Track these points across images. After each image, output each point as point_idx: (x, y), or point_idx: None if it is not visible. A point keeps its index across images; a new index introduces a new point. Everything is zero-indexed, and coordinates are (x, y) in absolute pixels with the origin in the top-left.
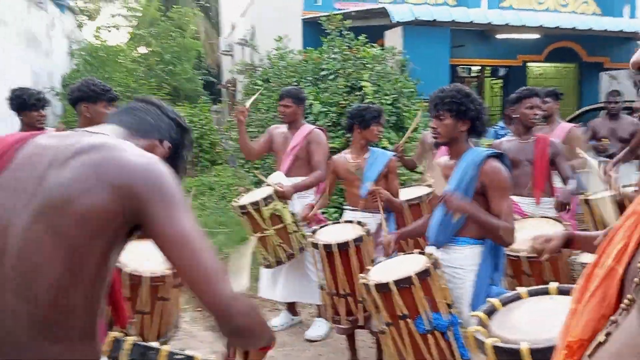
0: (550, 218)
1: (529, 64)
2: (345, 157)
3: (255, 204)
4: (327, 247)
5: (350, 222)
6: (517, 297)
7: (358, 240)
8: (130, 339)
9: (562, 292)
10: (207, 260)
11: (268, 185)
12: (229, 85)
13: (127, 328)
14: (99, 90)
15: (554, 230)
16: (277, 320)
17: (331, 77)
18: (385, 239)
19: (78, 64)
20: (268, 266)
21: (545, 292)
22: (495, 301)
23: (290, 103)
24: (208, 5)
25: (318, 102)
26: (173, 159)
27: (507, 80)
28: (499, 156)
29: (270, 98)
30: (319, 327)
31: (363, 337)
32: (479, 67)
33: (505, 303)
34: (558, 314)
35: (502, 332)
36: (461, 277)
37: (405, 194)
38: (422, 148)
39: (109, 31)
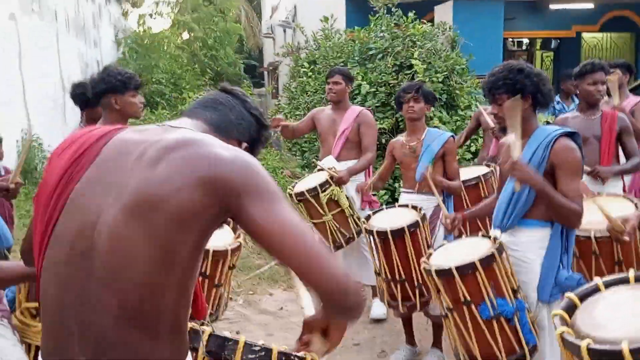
0: (619, 196)
1: (583, 35)
2: (401, 139)
3: (313, 191)
4: (382, 234)
5: (406, 206)
6: (595, 289)
7: (413, 225)
8: (208, 330)
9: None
10: (313, 244)
11: (321, 170)
12: (271, 68)
13: (204, 319)
14: (125, 78)
15: (623, 208)
16: None
17: (379, 56)
18: (449, 216)
19: (124, 52)
20: None
21: (624, 281)
22: (573, 296)
23: (340, 80)
24: None
25: (366, 82)
26: None
27: (558, 53)
28: (571, 135)
29: (317, 80)
30: (380, 306)
31: (420, 320)
32: (528, 40)
33: (582, 297)
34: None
35: (591, 331)
36: (529, 261)
37: (462, 174)
38: (474, 125)
39: (153, 18)
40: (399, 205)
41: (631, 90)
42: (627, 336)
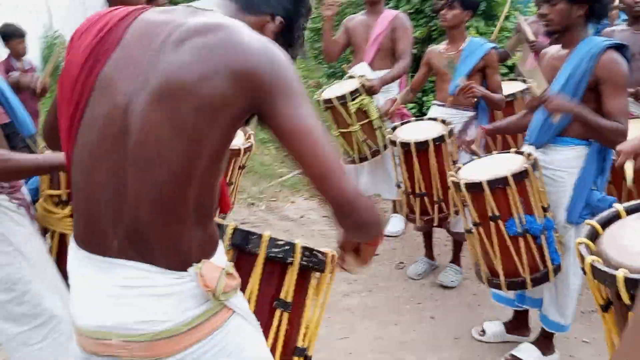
0: None
1: None
2: (440, 48)
3: (342, 98)
4: (405, 145)
5: (434, 119)
6: (616, 216)
7: (439, 139)
8: (232, 224)
9: None
10: (330, 155)
11: (352, 77)
12: None
13: (228, 213)
14: None
15: None
16: None
17: None
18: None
19: None
20: (352, 162)
21: None
22: (594, 223)
23: None
24: None
25: None
26: (286, 36)
27: None
28: (620, 48)
29: None
30: (396, 223)
31: (440, 235)
32: None
33: (604, 224)
34: None
35: (624, 260)
36: (561, 180)
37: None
38: (518, 38)
39: None
40: (429, 118)
41: None
42: (635, 265)
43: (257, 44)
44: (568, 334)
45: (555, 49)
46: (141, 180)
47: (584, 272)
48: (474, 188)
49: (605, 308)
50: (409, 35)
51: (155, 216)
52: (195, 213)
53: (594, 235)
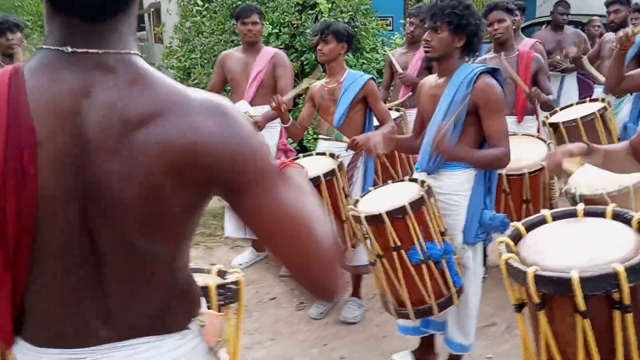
0: (533, 136)
1: None
2: (321, 83)
3: None
4: None
5: (323, 154)
6: (542, 220)
7: (329, 174)
8: None
9: (589, 213)
10: (309, 248)
11: None
12: (152, 9)
13: None
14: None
15: (536, 149)
16: (242, 258)
17: None
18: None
19: None
20: None
21: (572, 214)
22: (519, 225)
23: (258, 20)
24: None
25: (268, 22)
26: None
27: None
28: (492, 72)
29: (213, 20)
30: None
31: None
32: None
33: (529, 228)
34: (595, 238)
35: (539, 260)
36: (455, 204)
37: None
38: (389, 71)
39: None
40: (317, 153)
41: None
42: (576, 265)
43: (211, 122)
44: (471, 352)
45: (432, 79)
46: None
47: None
48: (375, 220)
49: (519, 308)
50: (289, 72)
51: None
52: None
53: (517, 237)
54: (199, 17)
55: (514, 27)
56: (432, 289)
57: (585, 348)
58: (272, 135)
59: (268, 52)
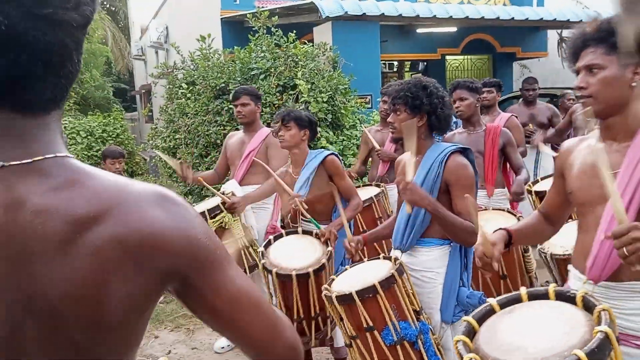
0: (504, 210)
1: (447, 57)
2: (288, 170)
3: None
4: (283, 277)
5: (310, 233)
6: (490, 310)
7: (319, 270)
8: None
9: (533, 296)
10: (268, 317)
11: (216, 195)
12: (143, 91)
13: None
14: None
15: (507, 223)
16: (224, 341)
17: (262, 76)
18: (352, 240)
19: None
20: None
21: (517, 300)
22: (470, 319)
23: (248, 101)
24: (114, 8)
25: None
26: None
27: (426, 74)
28: (463, 151)
29: (197, 102)
30: None
31: (320, 355)
32: (398, 62)
33: (480, 320)
34: (548, 325)
35: (500, 356)
36: (431, 281)
37: None
38: (365, 148)
39: None
40: (303, 231)
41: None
42: (540, 357)
43: (163, 221)
44: None
45: (407, 156)
46: None
47: None
48: (346, 300)
49: None
50: (281, 152)
51: None
52: None
53: (471, 332)
54: (183, 99)
55: (487, 102)
56: None
57: None
58: (260, 217)
59: (264, 132)
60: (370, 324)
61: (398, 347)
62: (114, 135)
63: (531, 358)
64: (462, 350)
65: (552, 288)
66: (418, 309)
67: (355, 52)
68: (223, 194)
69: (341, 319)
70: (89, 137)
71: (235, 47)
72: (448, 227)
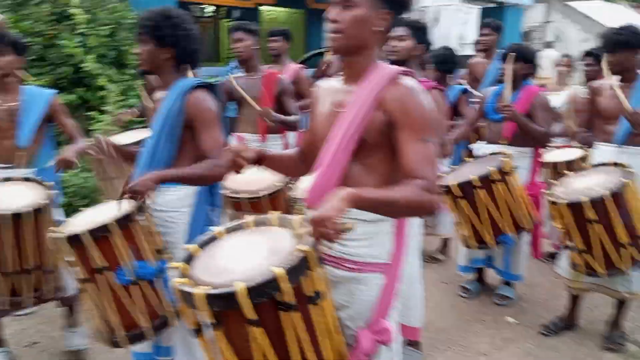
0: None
1: (261, 7)
2: None
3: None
4: None
5: (28, 179)
6: (214, 238)
7: (38, 211)
8: None
9: (259, 223)
10: None
11: None
12: None
13: None
14: None
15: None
16: None
17: (34, 1)
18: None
19: None
20: None
21: (242, 227)
22: (191, 247)
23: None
24: None
25: (19, 31)
26: None
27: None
28: (210, 87)
29: None
30: None
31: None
32: (214, 8)
33: (203, 246)
34: (260, 249)
35: (212, 279)
36: (174, 221)
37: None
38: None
39: None
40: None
41: (301, 62)
42: (242, 277)
43: None
44: None
45: (161, 94)
46: None
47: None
48: (76, 241)
49: (197, 332)
50: None
51: None
52: None
53: (191, 259)
54: None
55: (275, 51)
56: (147, 310)
57: (265, 357)
58: None
59: None
60: (104, 264)
61: (132, 287)
62: None
63: (235, 278)
64: (175, 275)
65: (275, 216)
66: (160, 249)
67: None
68: None
69: (70, 263)
70: None
71: None
72: (197, 180)
